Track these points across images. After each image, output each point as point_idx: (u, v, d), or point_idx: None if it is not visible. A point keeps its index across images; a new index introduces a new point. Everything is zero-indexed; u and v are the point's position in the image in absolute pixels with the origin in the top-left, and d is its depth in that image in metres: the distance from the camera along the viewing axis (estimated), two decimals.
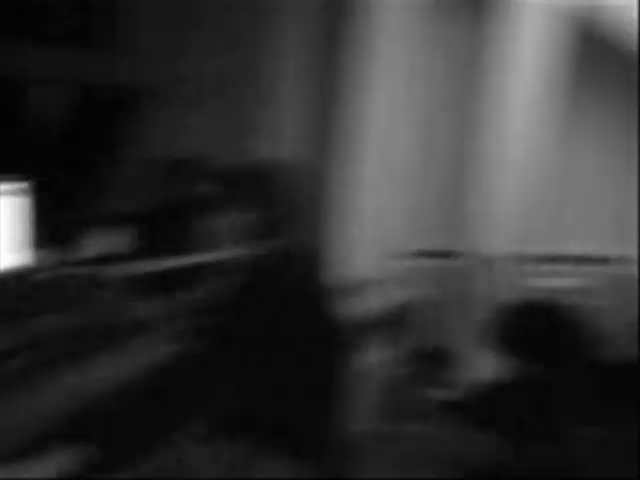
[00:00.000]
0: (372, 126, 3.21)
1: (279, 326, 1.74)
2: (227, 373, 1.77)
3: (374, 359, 3.02)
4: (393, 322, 3.11)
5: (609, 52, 3.27)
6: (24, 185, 2.11)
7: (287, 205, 1.80)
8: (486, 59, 3.47)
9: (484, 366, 2.93)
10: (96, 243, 2.51)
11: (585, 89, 3.65)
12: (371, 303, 2.99)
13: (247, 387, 1.77)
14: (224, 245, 1.85)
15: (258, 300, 1.74)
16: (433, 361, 3.56)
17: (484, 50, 3.49)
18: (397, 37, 3.18)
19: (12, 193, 2.08)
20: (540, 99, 3.34)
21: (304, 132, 3.11)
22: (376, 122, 3.21)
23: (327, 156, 3.17)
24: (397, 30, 3.17)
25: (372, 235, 3.33)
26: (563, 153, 3.77)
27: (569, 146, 3.79)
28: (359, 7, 3.09)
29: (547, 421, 2.32)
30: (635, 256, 3.77)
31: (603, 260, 3.83)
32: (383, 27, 3.11)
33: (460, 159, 3.67)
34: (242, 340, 1.73)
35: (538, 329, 2.41)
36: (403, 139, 3.37)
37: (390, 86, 3.20)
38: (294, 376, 1.80)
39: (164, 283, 2.37)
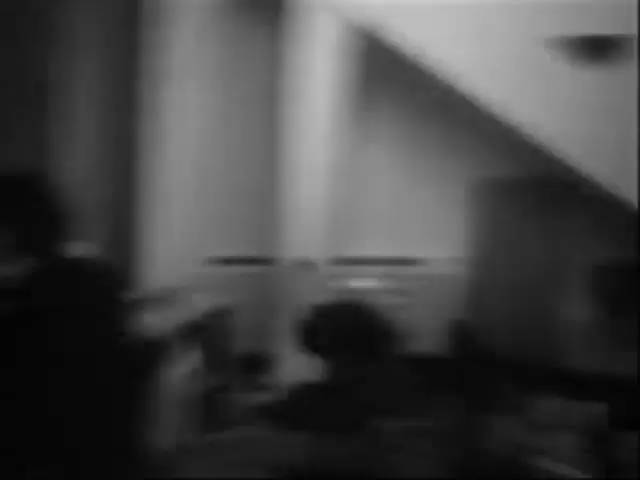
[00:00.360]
0: (171, 134, 3.16)
1: (65, 345, 1.64)
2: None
3: (184, 370, 2.96)
4: (203, 330, 3.07)
5: (397, 60, 3.44)
6: None
7: (47, 218, 1.69)
8: (282, 62, 3.53)
9: (299, 368, 2.96)
10: None
11: (375, 94, 3.83)
12: (180, 312, 2.93)
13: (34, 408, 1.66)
14: None
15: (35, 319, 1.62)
16: (248, 367, 3.55)
17: (280, 52, 3.55)
18: (191, 38, 3.16)
19: None
20: (336, 101, 3.43)
21: (99, 144, 3.00)
22: (175, 129, 3.17)
23: (124, 167, 3.08)
24: (191, 31, 3.16)
25: (180, 244, 3.27)
26: (365, 157, 3.94)
27: (370, 150, 3.96)
28: (150, 9, 3.04)
29: (358, 417, 2.38)
30: (445, 257, 3.99)
31: (414, 261, 4.02)
32: (176, 28, 3.08)
33: (268, 164, 3.71)
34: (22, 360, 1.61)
35: (346, 329, 2.47)
36: (204, 146, 3.35)
37: (186, 92, 3.17)
38: (85, 396, 1.70)
39: None
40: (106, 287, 1.84)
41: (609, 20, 3.31)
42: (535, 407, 2.83)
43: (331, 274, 3.58)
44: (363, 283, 3.80)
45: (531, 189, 3.91)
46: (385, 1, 3.32)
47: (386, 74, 3.77)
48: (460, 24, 3.34)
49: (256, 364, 3.54)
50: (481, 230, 4.01)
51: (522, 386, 3.05)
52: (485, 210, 3.99)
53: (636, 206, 3.39)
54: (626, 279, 3.76)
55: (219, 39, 3.45)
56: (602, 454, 2.50)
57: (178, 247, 3.26)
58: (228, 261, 3.82)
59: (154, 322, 2.44)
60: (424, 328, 3.75)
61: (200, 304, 3.08)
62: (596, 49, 3.26)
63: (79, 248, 1.74)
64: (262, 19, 3.70)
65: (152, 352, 2.27)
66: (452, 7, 3.31)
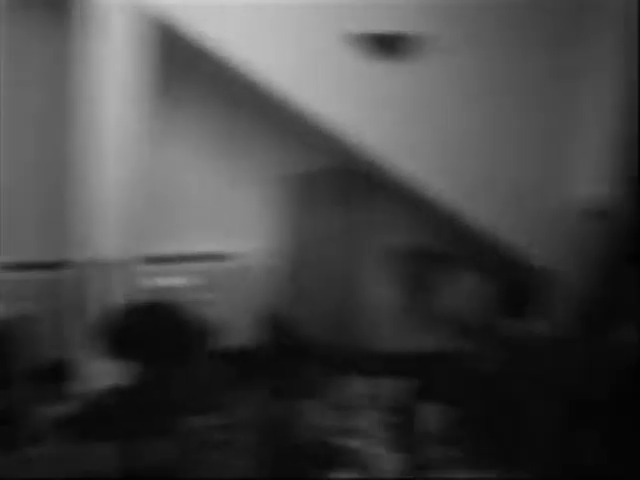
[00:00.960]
0: None
1: None
2: None
3: None
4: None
5: (199, 57, 3.41)
6: None
7: None
8: (76, 61, 3.36)
9: (104, 374, 2.84)
10: None
11: (179, 91, 3.77)
12: None
13: None
14: None
15: None
16: (51, 376, 3.35)
17: (74, 50, 3.38)
18: None
19: None
20: (137, 99, 3.34)
21: None
22: None
23: None
24: None
25: None
26: (170, 154, 3.86)
27: (175, 147, 3.89)
28: None
29: (168, 418, 2.33)
30: (256, 250, 4.00)
31: (225, 256, 3.99)
32: None
33: (66, 164, 3.51)
34: None
35: (153, 329, 2.40)
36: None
37: None
38: None
39: None
40: None
41: (404, 18, 3.48)
42: (344, 388, 2.94)
43: (138, 273, 3.47)
44: (171, 281, 3.72)
45: (335, 181, 4.03)
46: None
47: (189, 71, 3.71)
48: (260, 20, 3.36)
49: (60, 373, 3.36)
50: (290, 223, 4.08)
51: (332, 369, 3.15)
52: (293, 203, 4.06)
53: (431, 193, 3.62)
54: (423, 263, 4.00)
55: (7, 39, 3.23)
56: (408, 429, 2.64)
57: None
58: (23, 266, 3.58)
59: None
60: (238, 322, 3.76)
61: None
62: (390, 45, 3.42)
63: None
64: (53, 17, 3.49)
65: None
66: (253, 3, 3.32)
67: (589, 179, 3.76)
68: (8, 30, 3.42)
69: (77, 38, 3.32)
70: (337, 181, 4.00)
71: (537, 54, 3.69)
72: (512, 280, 3.77)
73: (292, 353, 3.38)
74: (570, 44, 3.72)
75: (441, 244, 4.07)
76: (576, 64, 3.73)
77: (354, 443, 2.63)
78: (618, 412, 2.43)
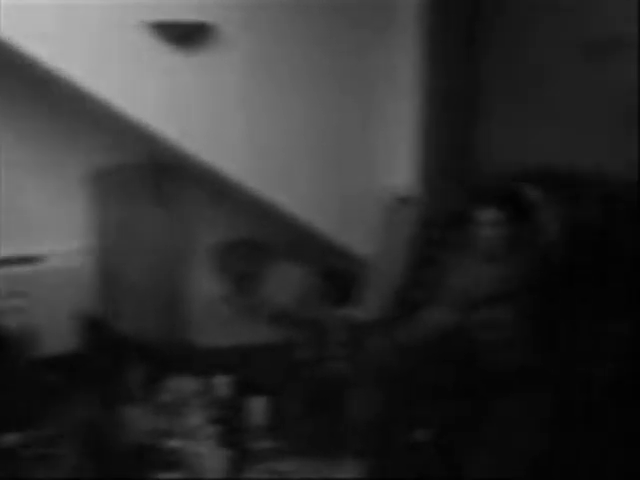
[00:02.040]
0: None
1: None
2: None
3: None
4: None
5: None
6: None
7: None
8: None
9: None
10: None
11: None
12: None
13: None
14: None
15: None
16: None
17: None
18: None
19: None
20: None
21: None
22: None
23: None
24: None
25: None
26: None
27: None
28: None
29: None
30: (68, 250, 3.80)
31: (33, 259, 3.74)
32: None
33: None
34: None
35: None
36: None
37: None
38: None
39: None
40: None
41: (204, 8, 3.43)
42: (171, 388, 2.88)
43: None
44: None
45: (146, 176, 3.92)
46: None
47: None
48: (56, 14, 3.18)
49: None
50: (104, 219, 3.92)
51: (158, 369, 3.08)
52: (105, 199, 3.90)
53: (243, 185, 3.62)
54: (244, 255, 4.01)
55: None
56: (236, 424, 2.65)
57: None
58: None
59: None
60: (55, 328, 3.54)
61: None
62: (184, 34, 3.37)
63: None
64: None
65: None
66: None
67: (392, 169, 3.94)
68: None
69: None
70: (148, 175, 3.90)
71: (340, 51, 3.77)
72: (332, 269, 3.88)
73: (115, 356, 3.26)
74: (367, 42, 3.84)
75: (261, 236, 4.10)
76: (376, 60, 3.85)
77: (179, 443, 2.59)
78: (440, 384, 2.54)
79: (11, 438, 2.51)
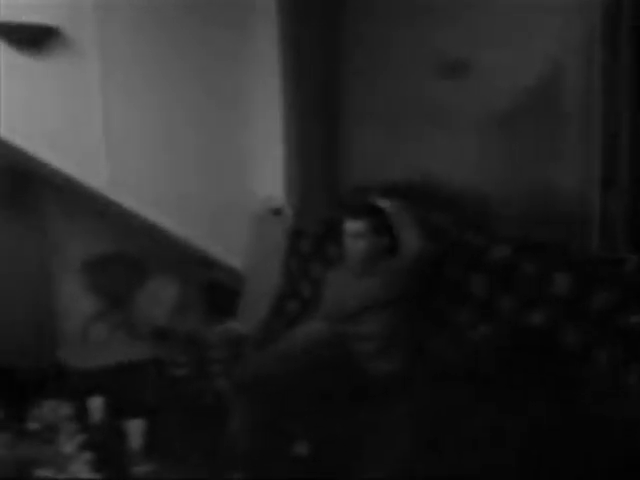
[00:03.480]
0: None
1: None
2: None
3: None
4: None
5: None
6: None
7: None
8: None
9: None
10: None
11: None
12: None
13: None
14: None
15: None
16: None
17: None
18: None
19: None
20: None
21: None
22: None
23: None
24: None
25: None
26: None
27: None
28: None
29: None
30: None
31: None
32: None
33: None
34: None
35: None
36: None
37: None
38: None
39: None
40: None
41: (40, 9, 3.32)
42: (34, 414, 2.76)
43: None
44: None
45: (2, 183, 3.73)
46: None
47: None
48: None
49: None
50: None
51: (19, 395, 2.95)
52: None
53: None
54: (116, 271, 3.91)
55: None
56: (107, 448, 2.57)
57: None
58: None
59: None
60: None
61: None
62: (29, 37, 3.27)
63: None
64: None
65: None
66: None
67: (263, 179, 3.95)
68: None
69: None
70: (4, 183, 3.72)
71: (203, 52, 3.74)
72: (210, 281, 3.85)
73: None
74: (231, 40, 3.79)
75: (133, 249, 4.00)
76: (242, 64, 3.83)
77: (50, 472, 2.49)
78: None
79: None
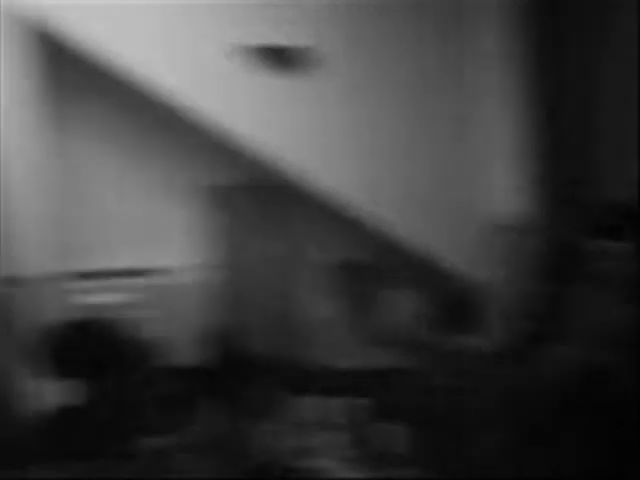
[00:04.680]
0: None
1: None
2: None
3: None
4: None
5: (85, 64, 3.31)
6: None
7: None
8: None
9: (46, 394, 2.69)
10: None
11: (71, 101, 3.65)
12: None
13: None
14: None
15: None
16: None
17: None
18: None
19: None
20: (28, 111, 3.17)
21: None
22: None
23: None
24: None
25: None
26: (75, 166, 3.71)
27: (80, 160, 3.75)
28: None
29: (119, 438, 2.26)
30: (187, 265, 3.90)
31: (156, 271, 3.86)
32: None
33: None
34: None
35: (92, 348, 2.33)
36: None
37: None
38: None
39: None
40: None
41: (294, 30, 3.50)
42: (297, 407, 2.90)
43: (69, 290, 3.31)
44: (104, 298, 3.57)
45: (255, 196, 4.01)
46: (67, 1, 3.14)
47: (85, 86, 3.61)
48: (146, 26, 3.31)
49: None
50: (221, 236, 4.01)
51: (282, 387, 3.12)
52: (223, 216, 4.00)
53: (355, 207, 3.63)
54: (362, 277, 4.03)
55: None
56: (366, 447, 2.65)
57: None
58: None
59: None
60: (179, 340, 3.64)
61: None
62: (280, 58, 3.43)
63: None
64: None
65: None
66: (137, 8, 3.25)
67: (506, 195, 3.93)
68: None
69: None
70: (258, 196, 3.98)
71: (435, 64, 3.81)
72: (448, 295, 3.86)
73: (241, 371, 3.31)
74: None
75: (374, 259, 4.12)
76: (479, 76, 3.87)
77: (311, 463, 2.61)
78: (564, 427, 2.51)
79: (149, 442, 2.55)
